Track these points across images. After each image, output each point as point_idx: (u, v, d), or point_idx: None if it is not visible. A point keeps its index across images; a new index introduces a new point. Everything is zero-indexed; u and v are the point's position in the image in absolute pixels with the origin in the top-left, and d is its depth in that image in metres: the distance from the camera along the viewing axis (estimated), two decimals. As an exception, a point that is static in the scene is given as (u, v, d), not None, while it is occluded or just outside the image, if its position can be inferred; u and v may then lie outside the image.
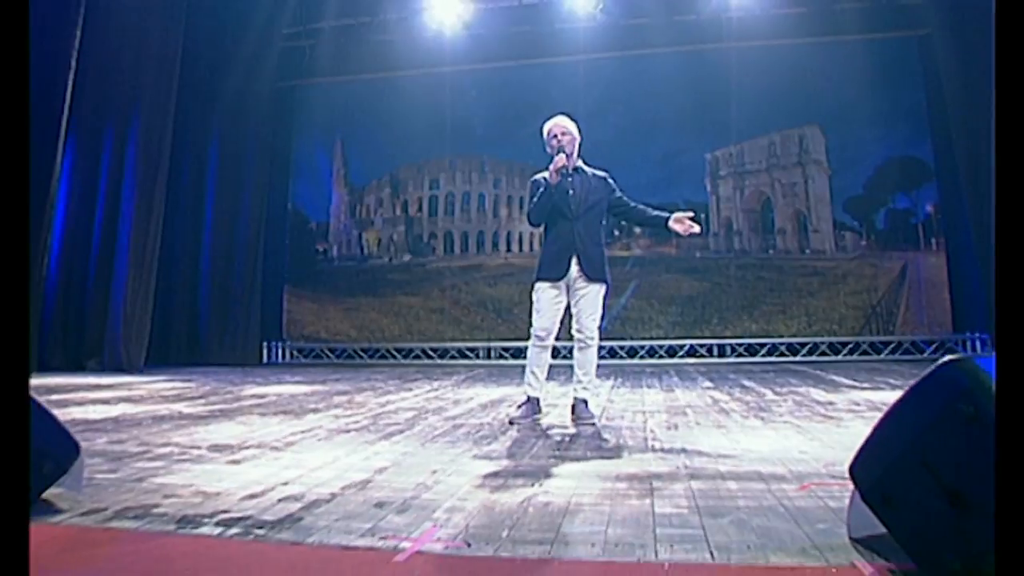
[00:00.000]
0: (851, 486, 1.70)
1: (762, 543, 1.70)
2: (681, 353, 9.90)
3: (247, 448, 3.19)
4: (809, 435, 3.35)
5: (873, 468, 1.56)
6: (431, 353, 10.65)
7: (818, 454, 2.85)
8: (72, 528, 1.97)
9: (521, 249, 10.77)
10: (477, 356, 10.51)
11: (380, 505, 2.15)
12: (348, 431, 3.71)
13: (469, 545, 1.74)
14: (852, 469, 1.63)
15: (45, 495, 2.17)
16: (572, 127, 4.12)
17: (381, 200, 11.29)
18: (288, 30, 10.82)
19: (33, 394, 2.16)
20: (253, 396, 5.69)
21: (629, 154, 10.26)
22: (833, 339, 9.51)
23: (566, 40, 10.29)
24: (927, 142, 9.73)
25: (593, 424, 3.84)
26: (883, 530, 1.59)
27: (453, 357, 10.57)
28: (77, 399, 5.51)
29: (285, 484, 2.46)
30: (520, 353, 10.06)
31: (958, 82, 8.85)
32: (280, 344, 11.07)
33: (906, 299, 9.42)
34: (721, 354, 9.80)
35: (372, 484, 2.45)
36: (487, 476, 2.57)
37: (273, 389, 6.33)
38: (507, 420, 4.02)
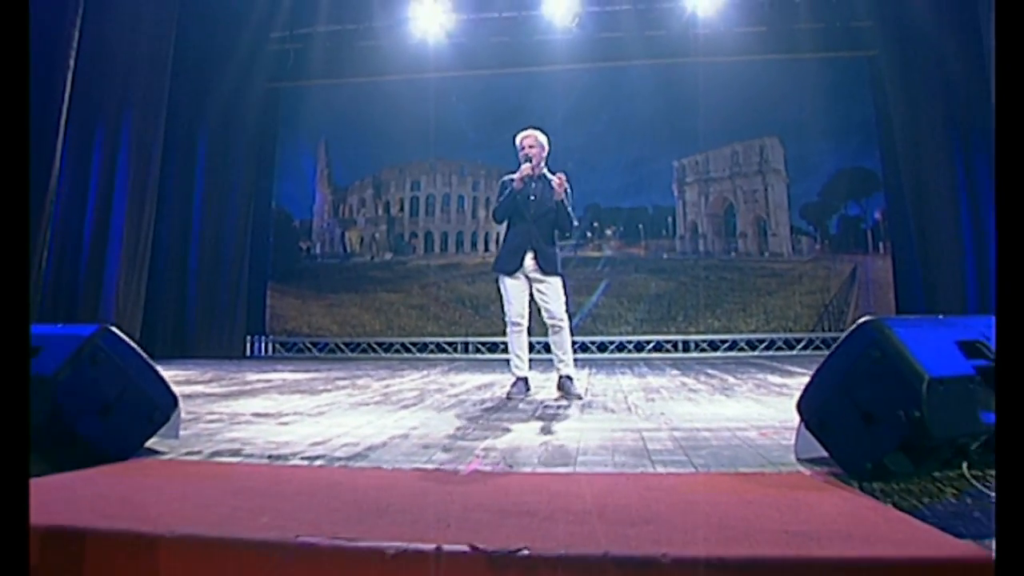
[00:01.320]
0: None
1: (731, 462, 2.27)
2: (648, 348, 10.52)
3: (287, 415, 3.67)
4: (766, 405, 3.95)
5: (813, 402, 2.13)
6: (411, 347, 11.10)
7: (774, 416, 3.44)
8: (187, 462, 2.45)
9: (498, 248, 11.26)
10: (455, 350, 11.00)
11: (426, 447, 2.67)
12: (367, 404, 4.20)
13: (511, 467, 2.27)
14: (799, 405, 2.20)
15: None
16: (543, 139, 4.67)
17: (364, 200, 11.71)
18: (276, 34, 11.16)
19: (140, 351, 2.63)
20: (259, 380, 6.12)
21: (602, 160, 10.91)
22: (789, 335, 10.22)
23: (544, 51, 10.82)
24: (875, 154, 10.49)
25: (580, 397, 4.39)
26: (821, 452, 2.15)
27: (432, 351, 11.04)
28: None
29: (339, 436, 2.95)
30: (496, 347, 10.59)
31: (902, 100, 9.63)
32: (263, 338, 11.41)
33: (856, 298, 10.17)
34: (686, 349, 10.44)
35: (411, 436, 2.96)
36: (504, 430, 3.10)
37: (273, 375, 6.75)
38: (505, 396, 4.55)
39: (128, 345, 2.51)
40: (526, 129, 4.73)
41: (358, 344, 11.27)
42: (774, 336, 10.25)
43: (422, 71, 11.06)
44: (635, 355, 10.34)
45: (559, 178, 4.45)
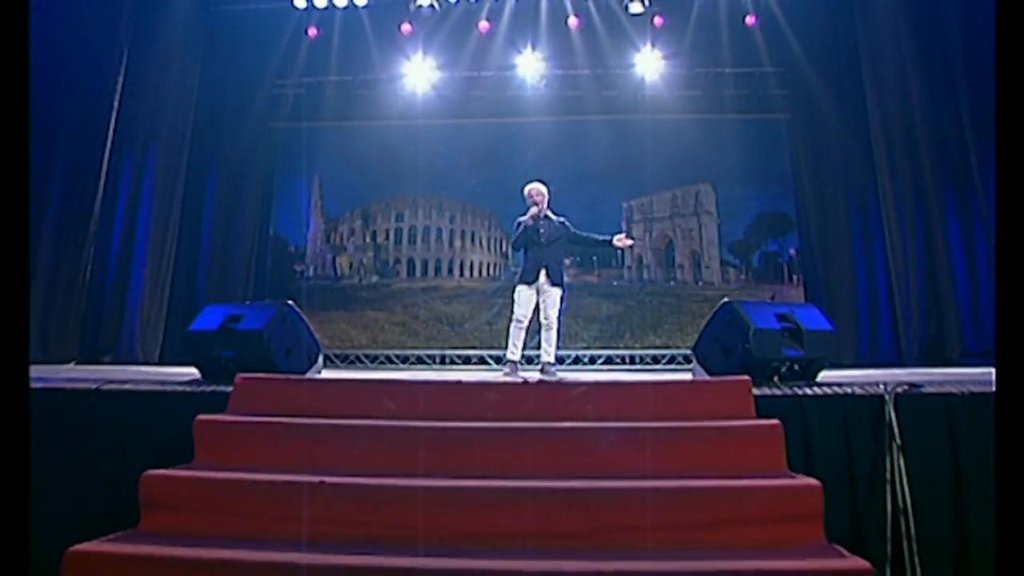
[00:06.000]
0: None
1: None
2: (600, 361, 12.26)
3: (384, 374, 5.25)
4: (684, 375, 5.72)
5: (700, 345, 3.89)
6: (395, 359, 12.61)
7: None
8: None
9: (472, 275, 12.97)
10: (434, 362, 12.54)
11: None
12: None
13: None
14: (694, 348, 3.96)
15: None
16: (545, 190, 6.53)
17: (353, 229, 13.28)
18: (279, 81, 12.77)
19: (303, 316, 4.22)
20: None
21: (562, 200, 12.38)
22: (718, 351, 12.10)
23: (516, 105, 12.67)
24: (791, 200, 12.51)
25: (556, 376, 6.08)
26: (706, 376, 3.89)
27: (413, 363, 12.57)
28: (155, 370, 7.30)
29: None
30: (470, 360, 12.21)
31: (810, 158, 11.77)
32: (260, 349, 12.75)
33: (772, 321, 12.13)
34: (632, 362, 12.21)
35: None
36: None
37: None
38: (502, 375, 6.21)
39: (299, 314, 4.12)
40: (533, 182, 6.56)
41: (346, 356, 12.72)
42: (706, 351, 12.10)
43: (410, 118, 12.77)
44: (589, 367, 12.07)
45: (625, 241, 6.56)
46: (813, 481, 2.40)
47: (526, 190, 6.52)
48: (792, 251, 12.48)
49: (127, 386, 3.29)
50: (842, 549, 2.21)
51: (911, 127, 10.32)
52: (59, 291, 9.52)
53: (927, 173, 10.13)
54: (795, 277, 12.38)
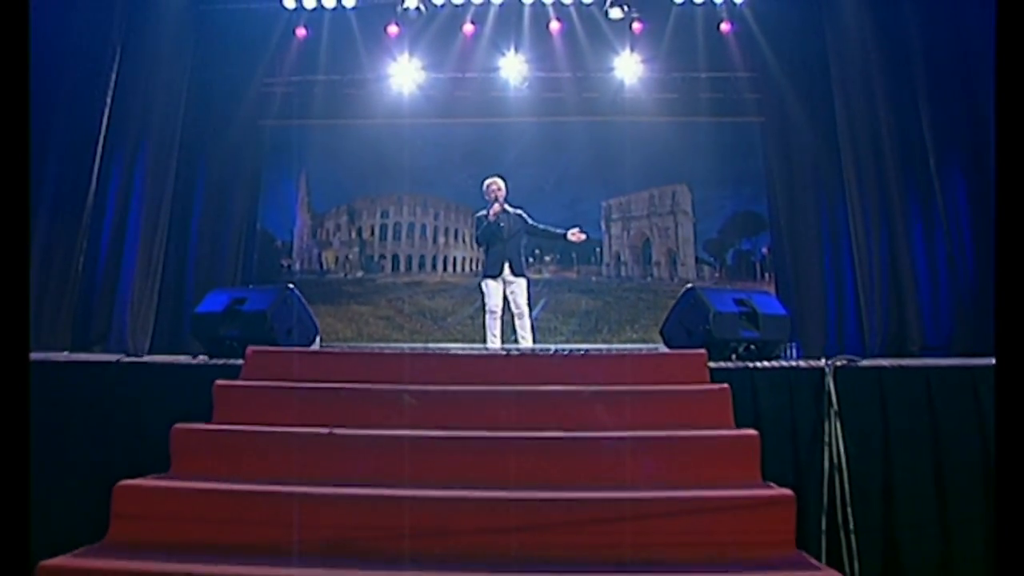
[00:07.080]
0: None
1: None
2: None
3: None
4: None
5: (667, 327, 4.29)
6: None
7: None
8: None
9: (455, 270, 13.32)
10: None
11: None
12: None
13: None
14: (661, 330, 4.35)
15: (295, 357, 4.54)
16: (503, 185, 6.93)
17: (339, 225, 13.57)
18: (268, 80, 13.03)
19: (304, 300, 4.54)
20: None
21: (542, 199, 13.00)
22: (693, 345, 12.54)
23: (499, 105, 13.02)
24: (764, 201, 12.97)
25: (537, 362, 6.46)
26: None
27: (396, 355, 12.89)
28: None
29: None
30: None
31: (782, 160, 12.23)
32: (247, 342, 13.01)
33: (744, 316, 12.60)
34: (610, 356, 12.63)
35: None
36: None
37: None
38: (484, 361, 6.58)
39: (299, 297, 4.46)
40: (491, 177, 6.94)
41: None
42: (681, 346, 12.54)
43: (396, 117, 13.07)
44: (569, 360, 12.45)
45: (578, 235, 6.81)
46: (751, 431, 2.83)
47: (485, 185, 6.91)
48: (764, 250, 12.94)
49: (145, 359, 3.62)
50: (773, 484, 2.64)
51: (876, 132, 10.81)
52: (52, 282, 9.73)
53: (891, 176, 10.62)
54: (767, 275, 12.85)
